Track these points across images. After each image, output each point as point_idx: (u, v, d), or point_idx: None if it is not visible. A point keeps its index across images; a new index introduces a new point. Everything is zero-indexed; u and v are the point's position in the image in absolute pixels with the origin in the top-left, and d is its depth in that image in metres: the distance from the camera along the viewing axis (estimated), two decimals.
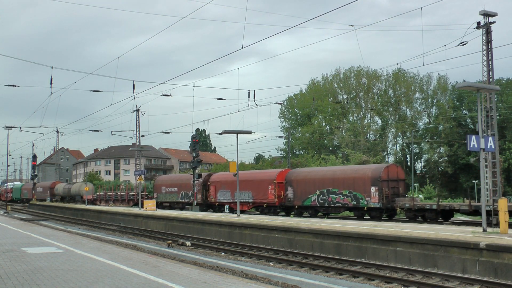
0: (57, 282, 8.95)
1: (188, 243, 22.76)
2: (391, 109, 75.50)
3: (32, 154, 74.29)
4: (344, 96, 76.58)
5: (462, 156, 63.45)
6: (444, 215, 27.49)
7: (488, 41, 26.27)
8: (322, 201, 31.90)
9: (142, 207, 38.94)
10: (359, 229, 18.31)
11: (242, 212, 37.85)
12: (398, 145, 75.86)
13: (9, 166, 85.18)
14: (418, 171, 73.41)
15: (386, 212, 29.81)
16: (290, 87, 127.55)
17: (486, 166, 25.80)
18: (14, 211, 59.50)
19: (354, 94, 75.82)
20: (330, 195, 31.35)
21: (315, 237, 19.08)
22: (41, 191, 72.34)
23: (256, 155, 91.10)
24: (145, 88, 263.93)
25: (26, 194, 78.20)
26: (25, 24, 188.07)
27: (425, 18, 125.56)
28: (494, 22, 26.30)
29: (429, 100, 74.45)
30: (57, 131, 72.48)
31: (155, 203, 39.41)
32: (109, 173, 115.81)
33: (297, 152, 74.89)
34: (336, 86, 77.81)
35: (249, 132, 29.46)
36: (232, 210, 37.90)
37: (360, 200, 29.66)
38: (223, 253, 20.11)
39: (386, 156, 73.45)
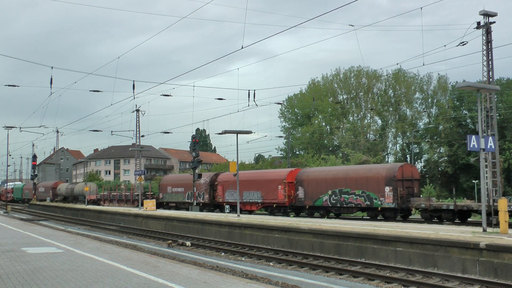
0: (57, 282, 8.95)
1: (188, 243, 22.76)
2: (391, 109, 75.49)
3: (32, 154, 74.30)
4: (344, 96, 76.57)
5: (462, 156, 63.45)
6: (461, 216, 26.82)
7: (488, 41, 26.28)
8: (334, 201, 31.21)
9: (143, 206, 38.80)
10: (359, 229, 18.31)
11: (251, 212, 37.64)
12: (398, 145, 75.89)
13: (9, 166, 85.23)
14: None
15: (401, 213, 29.10)
16: (290, 87, 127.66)
17: (486, 166, 25.80)
18: (14, 211, 59.50)
19: (354, 94, 75.81)
20: (342, 195, 30.69)
21: (315, 237, 19.08)
22: (43, 191, 72.02)
23: (256, 155, 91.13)
24: (145, 88, 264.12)
25: (28, 194, 77.97)
26: (25, 24, 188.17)
27: (425, 18, 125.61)
28: (494, 22, 26.31)
29: (429, 100, 74.44)
30: (57, 131, 72.62)
31: (155, 203, 39.37)
32: (109, 173, 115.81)
33: (297, 152, 74.88)
34: (336, 86, 77.80)
35: (249, 132, 29.44)
36: (240, 211, 37.66)
37: (374, 200, 28.96)
38: (223, 253, 20.10)
39: (386, 156, 73.45)
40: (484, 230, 16.55)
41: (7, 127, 57.88)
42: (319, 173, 33.66)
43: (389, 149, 75.42)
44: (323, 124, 76.98)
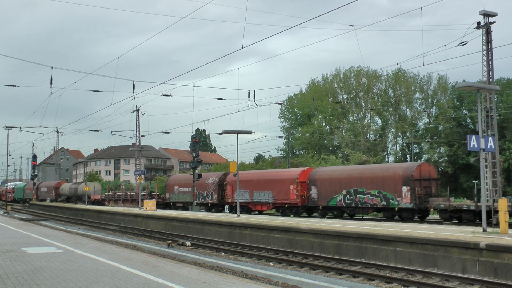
0: (57, 282, 8.95)
1: (188, 243, 22.76)
2: (391, 109, 75.45)
3: (32, 154, 74.32)
4: (344, 96, 76.52)
5: (462, 156, 63.42)
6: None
7: (488, 41, 26.29)
8: (348, 202, 30.43)
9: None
10: (359, 229, 18.31)
11: (261, 212, 37.08)
12: (398, 145, 75.84)
13: (9, 166, 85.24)
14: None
15: (419, 213, 28.27)
16: (290, 87, 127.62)
17: (486, 166, 25.81)
18: (14, 211, 59.49)
19: (354, 94, 75.78)
20: (357, 195, 29.92)
21: (315, 237, 19.08)
22: (45, 191, 71.51)
23: (256, 155, 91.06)
24: (145, 88, 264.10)
25: (29, 194, 77.66)
26: (25, 24, 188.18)
27: (425, 18, 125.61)
28: (494, 22, 26.33)
29: (429, 100, 74.39)
30: (57, 131, 72.59)
31: (155, 203, 39.36)
32: (109, 173, 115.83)
33: (297, 152, 74.86)
34: (336, 86, 77.75)
35: (249, 132, 29.42)
36: (250, 211, 36.88)
37: (391, 200, 28.20)
38: (223, 253, 20.10)
39: (386, 156, 73.44)
40: (484, 230, 16.56)
41: (7, 127, 57.88)
42: (333, 172, 32.84)
43: (389, 149, 75.41)
44: (323, 124, 76.94)
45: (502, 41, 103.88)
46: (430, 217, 30.65)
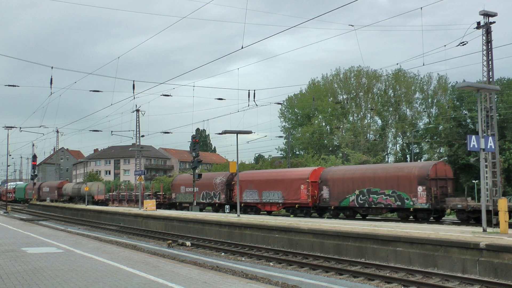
0: (57, 282, 8.95)
1: (188, 243, 22.76)
2: (391, 109, 75.44)
3: (32, 154, 74.27)
4: (344, 96, 76.50)
5: (462, 156, 63.39)
6: None
7: (488, 41, 26.29)
8: (361, 202, 29.83)
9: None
10: (359, 229, 18.31)
11: (270, 213, 36.58)
12: (398, 145, 75.85)
13: (9, 166, 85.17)
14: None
15: (434, 214, 27.69)
16: (290, 87, 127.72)
17: (486, 166, 25.79)
18: (14, 211, 59.47)
19: (354, 94, 75.77)
20: (371, 195, 29.30)
21: (315, 237, 19.08)
22: (47, 191, 71.19)
23: (256, 155, 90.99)
24: (145, 88, 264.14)
25: (31, 194, 77.45)
26: (25, 24, 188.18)
27: (425, 18, 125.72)
28: (494, 22, 26.33)
29: (429, 100, 74.39)
30: (57, 131, 72.62)
31: (155, 203, 39.35)
32: (109, 173, 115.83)
33: (297, 152, 74.86)
34: (336, 86, 77.75)
35: (249, 132, 29.40)
36: (258, 211, 36.38)
37: (406, 200, 27.62)
38: (223, 253, 20.10)
39: (386, 156, 73.44)
40: (484, 230, 16.56)
41: (7, 127, 57.86)
42: (345, 171, 32.15)
43: (389, 149, 75.41)
44: (323, 124, 76.93)
45: (502, 41, 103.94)
46: (446, 217, 30.06)
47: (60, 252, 13.76)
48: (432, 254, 14.89)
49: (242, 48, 22.27)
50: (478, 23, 26.33)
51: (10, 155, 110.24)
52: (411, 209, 27.64)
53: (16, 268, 10.69)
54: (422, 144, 72.25)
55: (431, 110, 74.43)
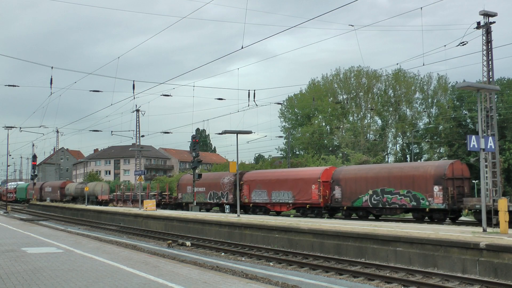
0: (57, 282, 8.95)
1: (188, 243, 22.76)
2: (391, 109, 75.49)
3: (32, 154, 74.26)
4: (344, 96, 76.54)
5: (462, 156, 63.37)
6: None
7: (488, 41, 26.30)
8: (375, 202, 29.05)
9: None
10: (359, 229, 18.32)
11: (279, 213, 35.99)
12: (398, 145, 75.89)
13: (9, 166, 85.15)
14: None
15: (451, 214, 26.88)
16: (290, 87, 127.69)
17: (486, 166, 25.80)
18: (14, 211, 59.48)
19: (354, 94, 75.81)
20: (385, 195, 28.52)
21: (315, 237, 19.08)
22: (50, 191, 70.81)
23: (256, 155, 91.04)
24: (145, 88, 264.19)
25: (32, 195, 77.46)
26: (25, 24, 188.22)
27: (425, 18, 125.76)
28: (494, 22, 26.35)
29: (429, 100, 74.44)
30: (57, 131, 72.68)
31: (155, 203, 39.32)
32: (109, 173, 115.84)
33: (297, 152, 74.87)
34: (336, 86, 77.78)
35: (249, 132, 29.39)
36: (268, 212, 35.80)
37: (421, 200, 26.83)
38: (223, 253, 20.10)
39: (386, 156, 73.45)
40: (484, 230, 16.56)
41: (7, 127, 57.79)
42: (358, 171, 31.40)
43: (389, 149, 75.45)
44: (323, 124, 76.96)
45: (502, 41, 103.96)
46: (463, 218, 29.38)
47: (60, 252, 13.76)
48: (432, 254, 14.89)
49: (242, 48, 22.30)
50: (478, 23, 26.34)
51: (10, 155, 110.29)
52: (427, 209, 26.87)
53: (16, 268, 10.69)
54: (422, 144, 72.28)
55: (431, 110, 74.48)
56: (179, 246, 22.45)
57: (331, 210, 32.74)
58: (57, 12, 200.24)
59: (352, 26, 39.95)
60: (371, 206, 29.41)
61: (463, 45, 26.85)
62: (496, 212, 20.23)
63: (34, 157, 72.22)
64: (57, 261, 11.82)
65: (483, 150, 16.75)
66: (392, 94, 75.46)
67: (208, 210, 40.25)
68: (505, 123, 60.11)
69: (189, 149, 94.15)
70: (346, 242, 17.74)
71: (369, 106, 74.17)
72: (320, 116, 76.71)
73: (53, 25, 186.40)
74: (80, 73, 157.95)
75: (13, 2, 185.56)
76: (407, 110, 74.82)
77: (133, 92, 39.91)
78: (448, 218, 27.30)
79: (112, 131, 54.09)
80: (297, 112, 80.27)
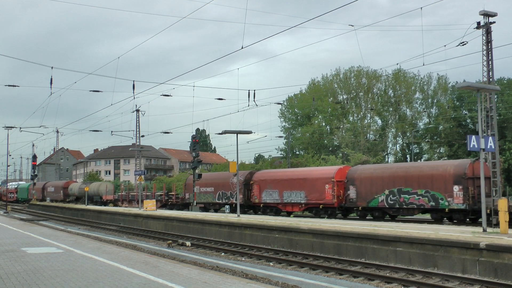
0: (57, 282, 8.95)
1: (188, 243, 22.76)
2: (391, 109, 75.50)
3: (32, 154, 74.29)
4: (344, 96, 76.54)
5: (462, 156, 63.40)
6: None
7: (488, 41, 26.30)
8: (392, 202, 28.24)
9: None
10: (359, 229, 18.32)
11: (290, 214, 35.26)
12: (398, 145, 75.89)
13: (9, 166, 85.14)
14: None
15: (472, 215, 26.00)
16: (290, 87, 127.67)
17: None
18: (14, 211, 59.47)
19: (354, 94, 75.81)
20: (402, 195, 27.71)
21: (315, 237, 19.08)
22: (52, 191, 70.53)
23: (256, 155, 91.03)
24: (145, 88, 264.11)
25: (33, 195, 77.22)
26: (25, 24, 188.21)
27: (425, 18, 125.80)
28: (494, 22, 26.35)
29: (429, 100, 74.45)
30: (57, 131, 72.65)
31: (155, 203, 39.29)
32: (109, 173, 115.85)
33: (297, 152, 74.87)
34: (336, 86, 77.80)
35: (249, 132, 29.38)
36: (279, 212, 35.15)
37: (440, 201, 25.99)
38: (223, 253, 20.11)
39: (386, 156, 73.45)
40: (484, 230, 16.56)
41: (7, 127, 57.78)
42: (374, 170, 30.58)
43: (389, 149, 75.46)
44: (323, 124, 76.97)
45: (502, 41, 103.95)
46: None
47: (60, 252, 13.76)
48: (432, 254, 14.89)
49: (242, 48, 22.31)
50: (478, 23, 26.35)
51: (10, 155, 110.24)
52: (446, 210, 26.07)
53: (16, 268, 10.69)
54: (422, 144, 72.30)
55: (431, 110, 74.49)
56: (179, 246, 22.45)
57: (345, 210, 32.16)
58: (57, 12, 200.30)
59: (352, 26, 39.96)
60: (387, 206, 28.60)
61: (463, 45, 26.87)
62: (496, 212, 20.24)
63: (34, 157, 72.26)
64: (57, 261, 11.82)
65: (483, 150, 16.75)
66: (392, 94, 75.48)
67: (216, 211, 39.68)
68: (505, 123, 60.09)
69: (189, 149, 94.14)
70: (346, 242, 17.74)
71: (369, 106, 74.18)
72: (320, 116, 76.72)
73: (53, 25, 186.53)
74: (80, 73, 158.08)
75: (13, 2, 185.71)
76: (407, 110, 74.84)
77: (133, 92, 39.80)
78: (468, 219, 26.46)
79: (112, 131, 54.18)
80: (297, 112, 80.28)
